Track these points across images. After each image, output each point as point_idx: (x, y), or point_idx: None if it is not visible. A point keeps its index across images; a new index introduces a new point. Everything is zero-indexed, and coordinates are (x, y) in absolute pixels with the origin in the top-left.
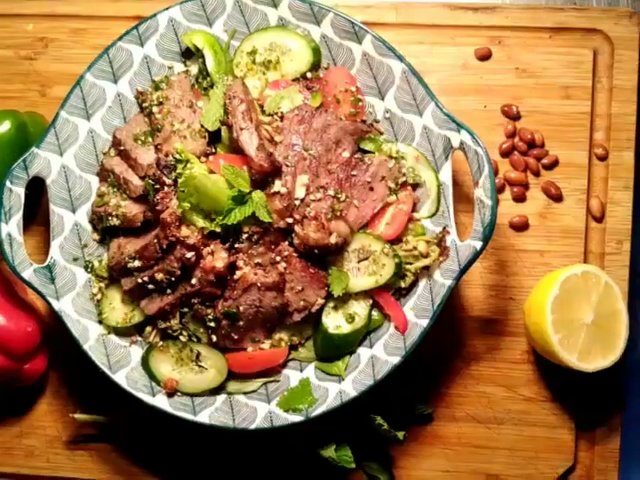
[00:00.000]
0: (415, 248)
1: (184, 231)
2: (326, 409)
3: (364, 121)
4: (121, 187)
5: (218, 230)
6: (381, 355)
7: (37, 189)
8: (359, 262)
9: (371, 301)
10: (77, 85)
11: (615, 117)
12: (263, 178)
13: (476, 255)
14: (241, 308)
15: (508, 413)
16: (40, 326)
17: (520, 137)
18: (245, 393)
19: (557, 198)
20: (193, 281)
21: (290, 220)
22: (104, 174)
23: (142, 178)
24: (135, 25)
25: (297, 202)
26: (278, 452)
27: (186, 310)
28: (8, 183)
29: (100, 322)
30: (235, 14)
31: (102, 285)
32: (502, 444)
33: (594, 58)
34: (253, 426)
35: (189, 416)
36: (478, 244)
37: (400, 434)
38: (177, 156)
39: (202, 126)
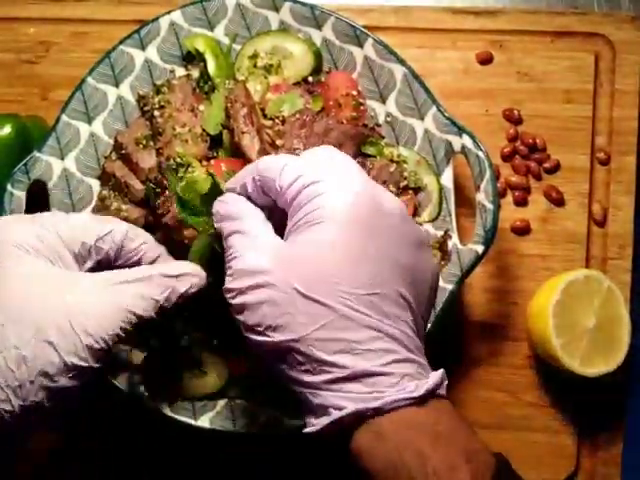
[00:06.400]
0: None
1: (186, 234)
2: None
3: (365, 125)
4: (122, 191)
5: None
6: None
7: (38, 193)
8: None
9: None
10: (78, 89)
11: (617, 121)
12: None
13: (478, 259)
14: None
15: (509, 418)
16: None
17: (522, 141)
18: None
19: (559, 202)
20: None
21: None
22: (105, 178)
23: (143, 182)
24: (136, 29)
25: None
26: (277, 457)
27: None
28: (9, 187)
29: None
30: (236, 18)
31: None
32: (503, 449)
33: (596, 62)
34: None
35: (190, 420)
36: (480, 248)
37: None
38: (178, 160)
39: (203, 130)
